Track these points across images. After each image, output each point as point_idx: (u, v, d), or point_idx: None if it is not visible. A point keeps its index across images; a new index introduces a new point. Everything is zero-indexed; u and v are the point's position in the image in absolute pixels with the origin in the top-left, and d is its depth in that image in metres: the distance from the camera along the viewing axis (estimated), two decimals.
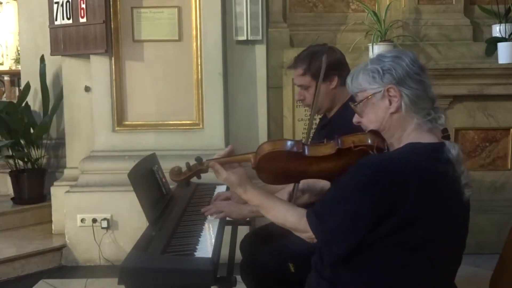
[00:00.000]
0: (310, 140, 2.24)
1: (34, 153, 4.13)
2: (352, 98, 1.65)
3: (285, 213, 1.61)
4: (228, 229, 2.30)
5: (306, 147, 1.63)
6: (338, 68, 2.19)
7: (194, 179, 1.91)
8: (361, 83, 1.56)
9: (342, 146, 1.59)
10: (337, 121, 2.16)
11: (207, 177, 1.95)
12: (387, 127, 1.54)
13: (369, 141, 1.57)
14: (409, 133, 1.52)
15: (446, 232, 1.47)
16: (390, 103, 1.51)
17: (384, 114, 1.53)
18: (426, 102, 1.52)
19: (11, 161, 4.24)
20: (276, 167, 1.65)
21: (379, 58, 1.56)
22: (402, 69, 1.50)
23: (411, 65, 1.51)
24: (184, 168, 1.83)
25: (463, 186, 1.48)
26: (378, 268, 1.46)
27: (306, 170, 1.65)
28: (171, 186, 2.37)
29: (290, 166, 1.64)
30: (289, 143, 1.65)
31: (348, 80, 1.61)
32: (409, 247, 1.43)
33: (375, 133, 1.57)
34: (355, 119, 1.63)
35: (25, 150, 4.10)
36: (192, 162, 1.86)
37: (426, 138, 1.50)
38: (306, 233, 1.54)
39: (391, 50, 1.65)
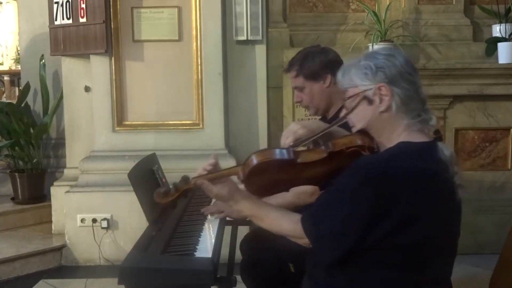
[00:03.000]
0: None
1: (34, 153, 4.13)
2: None
3: (280, 221, 1.55)
4: (228, 229, 2.30)
5: (297, 154, 1.57)
6: (331, 67, 2.20)
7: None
8: (352, 78, 1.52)
9: (333, 149, 1.54)
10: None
11: None
12: (375, 125, 1.51)
13: (360, 142, 1.54)
14: (399, 133, 1.49)
15: (441, 229, 1.46)
16: (381, 101, 1.48)
17: (373, 112, 1.50)
18: (417, 103, 1.49)
19: (11, 161, 4.24)
20: (266, 178, 1.58)
21: (373, 55, 1.53)
22: (395, 68, 1.48)
23: (405, 65, 1.49)
24: (168, 189, 1.66)
25: (456, 187, 1.47)
26: (375, 271, 1.43)
27: (297, 177, 1.59)
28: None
29: (280, 175, 1.58)
30: (278, 151, 1.57)
31: (339, 74, 1.58)
32: (406, 248, 1.41)
33: (364, 133, 1.54)
34: (343, 114, 1.59)
35: (25, 150, 4.09)
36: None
37: (418, 137, 1.48)
38: (302, 239, 1.49)
39: (384, 47, 1.60)
